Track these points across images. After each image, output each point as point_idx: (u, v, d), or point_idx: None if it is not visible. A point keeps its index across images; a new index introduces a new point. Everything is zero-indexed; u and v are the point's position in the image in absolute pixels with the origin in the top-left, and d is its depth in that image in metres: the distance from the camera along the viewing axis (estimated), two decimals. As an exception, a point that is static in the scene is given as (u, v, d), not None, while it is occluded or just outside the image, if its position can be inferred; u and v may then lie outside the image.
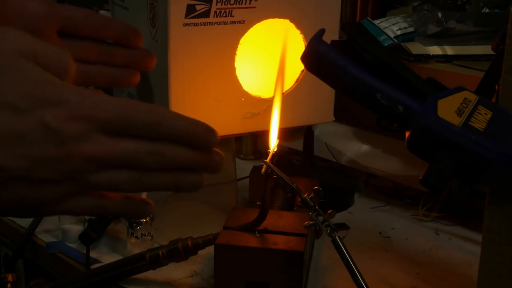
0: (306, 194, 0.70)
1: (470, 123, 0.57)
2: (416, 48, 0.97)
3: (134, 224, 0.83)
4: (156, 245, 0.79)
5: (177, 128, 0.48)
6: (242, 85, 0.83)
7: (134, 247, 0.83)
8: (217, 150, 0.50)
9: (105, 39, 0.58)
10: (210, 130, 0.50)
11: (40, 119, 0.43)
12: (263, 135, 0.78)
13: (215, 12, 0.78)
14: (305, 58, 0.62)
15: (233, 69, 0.81)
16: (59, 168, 0.45)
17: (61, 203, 0.47)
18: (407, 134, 0.58)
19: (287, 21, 0.83)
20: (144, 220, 0.83)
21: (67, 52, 0.47)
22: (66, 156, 0.45)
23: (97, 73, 0.59)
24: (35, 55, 0.45)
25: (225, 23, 0.79)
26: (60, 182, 0.46)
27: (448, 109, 0.57)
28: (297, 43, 0.84)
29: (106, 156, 0.46)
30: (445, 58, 0.98)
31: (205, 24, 0.78)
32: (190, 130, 0.48)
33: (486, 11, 1.09)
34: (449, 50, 0.98)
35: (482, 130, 0.57)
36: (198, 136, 0.49)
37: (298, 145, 1.08)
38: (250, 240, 0.73)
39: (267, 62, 0.86)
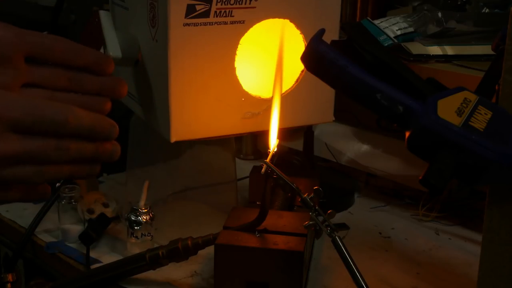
0: (306, 194, 0.70)
1: (470, 123, 0.57)
2: (416, 48, 0.97)
3: (134, 224, 0.83)
4: (156, 245, 0.79)
5: (82, 125, 0.53)
6: (242, 85, 0.83)
7: (134, 247, 0.84)
8: (115, 142, 0.56)
9: (75, 65, 0.58)
10: (112, 125, 0.55)
11: None
12: (263, 135, 0.78)
13: (215, 12, 0.78)
14: (305, 58, 0.62)
15: (233, 69, 0.81)
16: None
17: None
18: (407, 134, 0.58)
19: (287, 21, 0.83)
20: (144, 220, 0.83)
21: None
22: None
23: (67, 101, 0.59)
24: None
25: (225, 23, 0.79)
26: None
27: (448, 109, 0.57)
28: (297, 43, 0.84)
29: (15, 154, 0.50)
30: (445, 58, 0.98)
31: (205, 24, 0.78)
32: (95, 127, 0.54)
33: (486, 11, 1.09)
34: (449, 50, 0.98)
35: (482, 130, 0.57)
36: (101, 132, 0.54)
37: (298, 145, 1.08)
38: (250, 240, 0.73)
39: (267, 62, 0.86)
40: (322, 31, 0.62)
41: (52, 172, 0.53)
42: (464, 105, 0.59)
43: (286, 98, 0.84)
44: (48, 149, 0.52)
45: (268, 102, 0.82)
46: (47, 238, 0.91)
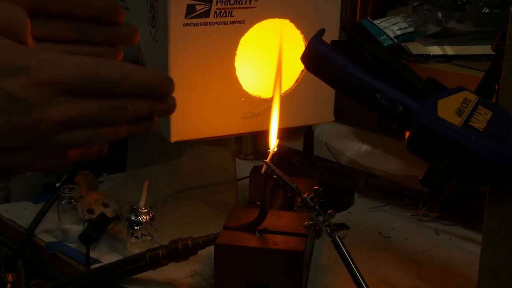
0: (306, 194, 0.70)
1: (470, 123, 0.57)
2: (416, 48, 0.97)
3: (134, 224, 0.83)
4: (156, 245, 0.79)
5: (138, 82, 0.50)
6: (242, 85, 0.83)
7: (134, 247, 0.83)
8: (170, 96, 0.54)
9: (82, 16, 0.56)
10: (167, 79, 0.52)
11: (2, 89, 0.44)
12: (263, 135, 0.78)
13: (215, 12, 0.78)
14: (305, 58, 0.61)
15: (233, 69, 0.81)
16: (27, 136, 0.46)
17: (28, 165, 0.49)
18: (407, 134, 0.58)
19: (287, 21, 0.83)
20: (144, 220, 0.83)
21: (15, 6, 0.48)
22: (34, 123, 0.46)
23: (78, 54, 0.58)
24: None
25: (225, 23, 0.79)
26: (28, 148, 0.47)
27: (448, 109, 0.57)
28: (297, 43, 0.84)
29: (72, 118, 0.47)
30: (445, 58, 0.98)
31: (205, 24, 0.78)
32: (150, 84, 0.51)
33: (486, 11, 1.09)
34: (449, 50, 0.98)
35: (482, 130, 0.57)
36: (157, 87, 0.51)
37: (298, 145, 1.08)
38: (250, 240, 0.73)
39: (267, 62, 0.86)
40: (322, 31, 0.62)
41: (110, 134, 0.50)
42: (464, 105, 0.59)
43: (286, 98, 0.84)
44: (104, 110, 0.49)
45: (268, 102, 0.82)
46: (47, 238, 0.91)
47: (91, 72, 0.47)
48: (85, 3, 0.56)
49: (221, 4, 0.78)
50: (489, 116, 0.59)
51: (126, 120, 0.51)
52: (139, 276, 0.79)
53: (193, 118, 0.80)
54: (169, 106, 0.53)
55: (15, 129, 0.45)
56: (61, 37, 0.55)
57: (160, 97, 0.52)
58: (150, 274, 0.79)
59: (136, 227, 0.83)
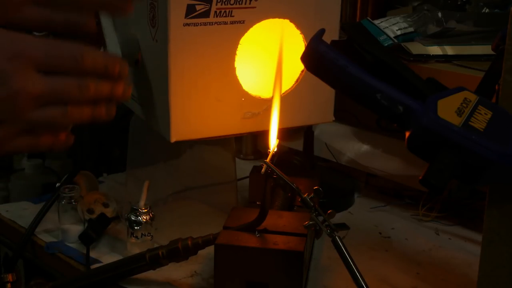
0: (306, 194, 0.70)
1: (470, 123, 0.57)
2: (416, 48, 0.97)
3: (134, 224, 0.83)
4: (156, 245, 0.79)
5: (97, 62, 0.54)
6: (242, 85, 0.83)
7: (134, 247, 0.83)
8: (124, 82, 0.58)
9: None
10: (123, 62, 0.56)
11: None
12: (263, 135, 0.78)
13: (215, 12, 0.78)
14: (305, 58, 0.62)
15: (233, 69, 0.81)
16: (5, 108, 0.50)
17: (6, 143, 0.51)
18: (407, 134, 0.58)
19: (287, 21, 0.83)
20: (144, 220, 0.83)
21: None
22: (11, 95, 0.49)
23: (64, 21, 0.60)
24: None
25: (225, 23, 0.79)
26: (5, 122, 0.50)
27: (448, 109, 0.57)
28: (297, 43, 0.84)
29: (41, 92, 0.51)
30: (445, 58, 0.98)
31: (205, 24, 0.78)
32: (108, 64, 0.55)
33: (486, 11, 1.09)
34: (449, 50, 0.98)
35: (482, 130, 0.57)
36: (115, 69, 0.55)
37: (298, 145, 1.08)
38: (250, 240, 0.73)
39: (267, 62, 0.86)
40: (322, 31, 0.62)
41: (76, 114, 0.54)
42: (464, 105, 0.59)
43: (286, 98, 0.84)
44: (70, 87, 0.53)
45: (268, 102, 0.82)
46: (47, 238, 0.91)
47: (56, 49, 0.52)
48: None
49: (221, 4, 0.78)
50: (489, 116, 0.59)
51: (89, 100, 0.54)
52: (139, 276, 0.79)
53: (193, 118, 0.80)
54: (125, 91, 0.57)
55: None
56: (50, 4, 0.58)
57: (117, 78, 0.56)
58: (150, 274, 0.79)
59: (136, 227, 0.83)
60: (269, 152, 0.73)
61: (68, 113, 0.54)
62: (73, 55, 0.53)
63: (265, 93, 0.84)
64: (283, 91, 0.83)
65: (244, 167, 1.04)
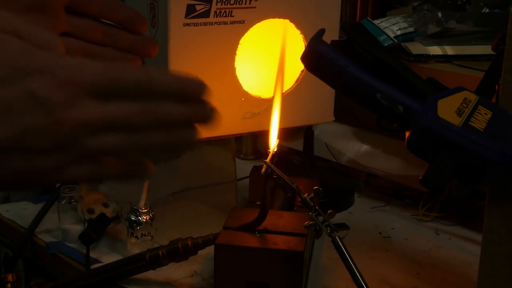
0: (306, 194, 0.70)
1: (470, 123, 0.57)
2: (416, 48, 0.97)
3: (134, 224, 0.83)
4: (156, 245, 0.79)
5: (166, 84, 0.47)
6: (242, 85, 0.83)
7: (134, 247, 0.83)
8: (207, 101, 0.50)
9: (110, 21, 0.58)
10: (199, 82, 0.49)
11: (26, 88, 0.43)
12: (263, 135, 0.78)
13: (215, 12, 0.78)
14: (305, 58, 0.62)
15: (233, 69, 0.81)
16: (50, 137, 0.45)
17: (59, 172, 0.47)
18: (407, 134, 0.58)
19: (287, 21, 0.83)
20: (144, 220, 0.83)
21: (53, 33, 0.48)
22: (56, 123, 0.45)
23: (99, 54, 0.59)
24: (17, 32, 0.45)
25: (225, 23, 0.79)
26: (53, 151, 0.46)
27: (448, 109, 0.57)
28: (297, 43, 0.84)
29: (96, 120, 0.46)
30: (445, 58, 0.98)
31: (205, 24, 0.78)
32: (179, 84, 0.48)
33: (486, 11, 1.09)
34: (449, 50, 0.98)
35: (482, 130, 0.57)
36: (187, 89, 0.49)
37: (298, 145, 1.08)
38: (250, 240, 0.73)
39: (267, 62, 0.86)
40: (322, 31, 0.62)
41: (143, 140, 0.48)
42: (464, 105, 0.59)
43: (286, 98, 0.84)
44: (132, 113, 0.46)
45: (268, 102, 0.83)
46: (47, 238, 0.91)
47: (116, 73, 0.46)
48: (115, 9, 0.58)
49: (221, 4, 0.78)
50: (489, 116, 0.59)
51: (158, 125, 0.48)
52: (139, 276, 0.79)
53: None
54: (207, 111, 0.51)
55: (37, 129, 0.44)
56: (87, 37, 0.57)
57: (194, 100, 0.49)
58: (150, 274, 0.79)
59: (136, 227, 0.83)
60: (269, 152, 0.73)
61: (131, 140, 0.47)
62: (134, 80, 0.47)
63: (265, 93, 0.84)
64: (283, 91, 0.83)
65: (244, 167, 1.04)
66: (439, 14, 1.02)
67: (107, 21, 0.59)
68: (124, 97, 0.46)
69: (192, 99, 0.49)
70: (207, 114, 0.50)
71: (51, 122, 0.45)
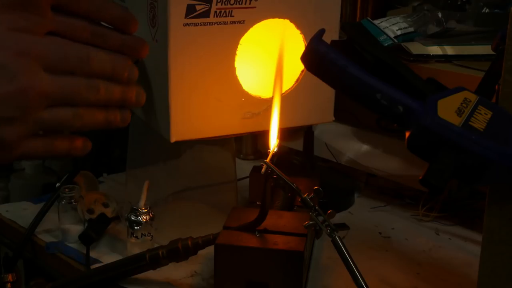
0: (306, 194, 0.70)
1: (470, 123, 0.57)
2: (416, 48, 0.97)
3: (134, 224, 0.83)
4: (156, 245, 0.79)
5: (104, 63, 0.55)
6: (242, 85, 0.83)
7: (134, 247, 0.83)
8: (138, 85, 0.58)
9: (100, 20, 0.58)
10: (131, 65, 0.57)
11: None
12: (263, 135, 0.78)
13: (215, 12, 0.78)
14: (305, 58, 0.61)
15: (233, 69, 0.81)
16: (15, 104, 0.49)
17: (19, 145, 0.51)
18: (407, 134, 0.58)
19: (287, 21, 0.83)
20: (144, 220, 0.83)
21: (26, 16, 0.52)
22: (20, 91, 0.49)
23: None
24: None
25: (225, 23, 0.79)
26: (17, 120, 0.50)
27: (448, 109, 0.57)
28: (297, 43, 0.84)
29: (49, 92, 0.51)
30: (445, 58, 0.98)
31: (205, 24, 0.78)
32: (116, 65, 0.55)
33: (486, 11, 1.09)
34: (449, 50, 0.98)
35: (482, 130, 0.57)
36: (123, 71, 0.56)
37: (298, 145, 1.08)
38: (250, 240, 0.73)
39: (267, 62, 0.86)
40: (322, 31, 0.62)
41: (88, 117, 0.54)
42: (464, 105, 0.59)
43: (286, 98, 0.84)
44: (79, 87, 0.53)
45: (268, 102, 0.82)
46: (47, 238, 0.91)
47: (62, 49, 0.52)
48: (104, 8, 0.58)
49: (221, 4, 0.78)
50: (489, 116, 0.59)
51: (101, 103, 0.54)
52: (139, 276, 0.79)
53: (193, 118, 0.80)
54: (138, 95, 0.58)
55: (3, 96, 0.48)
56: (75, 36, 0.57)
57: (127, 82, 0.56)
58: (150, 274, 0.79)
59: (136, 227, 0.83)
60: (269, 152, 0.73)
61: (79, 115, 0.53)
62: (80, 56, 0.53)
63: (265, 93, 0.84)
64: (283, 91, 0.83)
65: (244, 167, 1.04)
66: (439, 14, 1.02)
67: (97, 21, 0.59)
68: (69, 70, 0.52)
69: (125, 79, 0.57)
70: (139, 97, 0.58)
71: (15, 89, 0.49)
